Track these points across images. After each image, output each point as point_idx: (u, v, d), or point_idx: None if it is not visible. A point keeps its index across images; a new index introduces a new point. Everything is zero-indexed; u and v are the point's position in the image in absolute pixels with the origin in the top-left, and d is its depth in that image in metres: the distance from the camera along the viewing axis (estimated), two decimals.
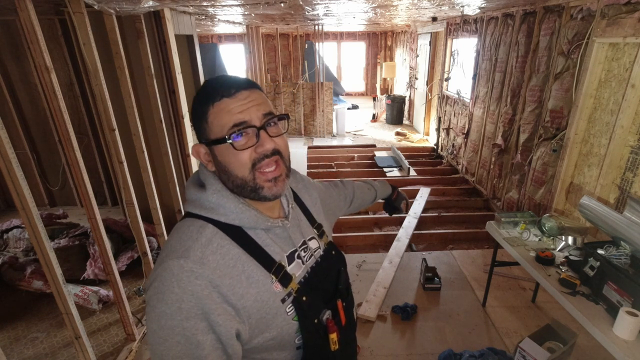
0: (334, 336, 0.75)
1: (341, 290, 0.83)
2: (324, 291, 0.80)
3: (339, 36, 10.87)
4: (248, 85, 0.69)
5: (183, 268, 0.61)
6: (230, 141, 0.65)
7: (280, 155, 0.70)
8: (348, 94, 11.37)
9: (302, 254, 0.77)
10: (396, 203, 1.33)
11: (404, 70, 8.47)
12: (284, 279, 0.70)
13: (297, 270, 0.74)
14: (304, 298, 0.72)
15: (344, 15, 4.82)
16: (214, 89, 0.67)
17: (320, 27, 6.68)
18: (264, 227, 0.71)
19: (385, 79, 10.38)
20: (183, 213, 0.74)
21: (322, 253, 0.83)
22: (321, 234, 0.87)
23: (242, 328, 0.64)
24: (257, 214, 0.70)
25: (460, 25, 4.71)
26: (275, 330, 0.68)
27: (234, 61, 10.19)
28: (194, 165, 3.20)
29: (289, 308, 0.69)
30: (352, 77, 11.63)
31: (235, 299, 0.63)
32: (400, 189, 1.37)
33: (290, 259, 0.74)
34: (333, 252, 0.86)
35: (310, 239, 0.82)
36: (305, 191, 0.92)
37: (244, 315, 0.64)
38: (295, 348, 0.73)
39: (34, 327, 2.43)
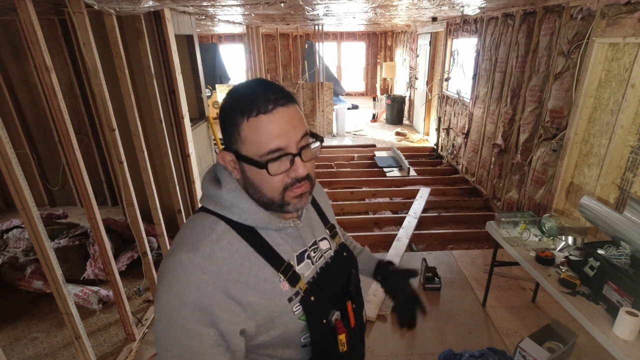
0: (342, 337, 0.75)
1: (351, 292, 0.82)
2: (332, 292, 0.79)
3: (339, 36, 10.87)
4: (286, 100, 0.65)
5: (192, 262, 0.62)
6: (264, 168, 0.64)
7: (309, 179, 0.70)
8: (348, 94, 11.37)
9: (312, 254, 0.77)
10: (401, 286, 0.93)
11: (404, 70, 8.47)
12: (292, 278, 0.70)
13: (306, 270, 0.74)
14: (312, 298, 0.72)
15: (344, 15, 4.82)
16: (250, 100, 0.63)
17: (320, 27, 6.68)
18: (276, 227, 0.72)
19: (385, 79, 10.37)
20: (199, 206, 0.75)
21: (332, 254, 0.82)
22: (334, 234, 0.86)
23: (249, 324, 0.65)
24: (270, 216, 0.71)
25: (460, 25, 4.71)
26: (281, 328, 0.69)
27: (234, 61, 10.19)
28: (194, 165, 3.21)
29: (295, 307, 0.70)
30: (352, 77, 11.63)
31: (240, 296, 0.64)
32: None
33: (300, 258, 0.74)
34: (345, 254, 0.85)
35: (321, 240, 0.82)
36: (319, 192, 0.92)
37: (250, 311, 0.65)
38: (300, 346, 0.73)
39: (34, 327, 2.43)
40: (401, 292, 0.92)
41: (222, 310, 0.62)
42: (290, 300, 0.69)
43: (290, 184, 0.67)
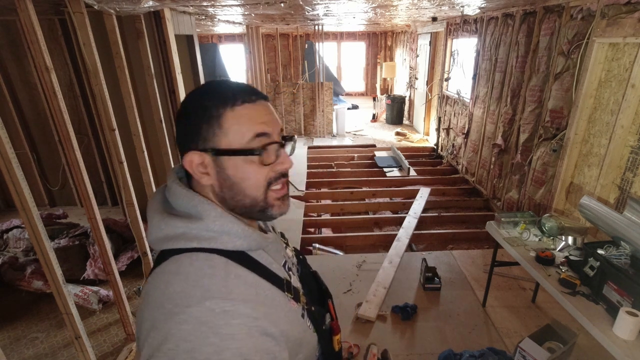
0: (338, 337, 0.74)
1: (326, 291, 0.82)
2: (315, 297, 0.79)
3: (339, 36, 10.87)
4: (263, 95, 0.64)
5: (213, 311, 0.52)
6: (257, 153, 0.60)
7: (287, 176, 0.67)
8: (348, 94, 11.37)
9: (289, 265, 0.75)
10: None
11: (404, 70, 8.47)
12: (295, 294, 0.67)
13: (295, 283, 0.71)
14: (313, 308, 0.70)
15: (344, 15, 4.82)
16: (232, 91, 0.61)
17: (320, 27, 6.68)
18: (265, 245, 0.66)
19: (385, 79, 10.37)
20: (157, 253, 0.63)
21: (296, 260, 0.81)
22: (287, 241, 0.85)
23: (285, 355, 0.58)
24: (260, 234, 0.65)
25: (460, 25, 4.71)
26: (306, 347, 0.65)
27: (234, 61, 10.19)
28: None
29: (308, 322, 0.67)
30: (352, 77, 11.63)
31: (272, 327, 0.57)
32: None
33: (287, 272, 0.71)
34: (301, 257, 0.84)
35: (285, 248, 0.79)
36: None
37: (282, 341, 0.58)
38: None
39: (34, 327, 2.43)
40: None
41: (256, 352, 0.53)
42: (302, 316, 0.66)
43: (274, 178, 0.63)
